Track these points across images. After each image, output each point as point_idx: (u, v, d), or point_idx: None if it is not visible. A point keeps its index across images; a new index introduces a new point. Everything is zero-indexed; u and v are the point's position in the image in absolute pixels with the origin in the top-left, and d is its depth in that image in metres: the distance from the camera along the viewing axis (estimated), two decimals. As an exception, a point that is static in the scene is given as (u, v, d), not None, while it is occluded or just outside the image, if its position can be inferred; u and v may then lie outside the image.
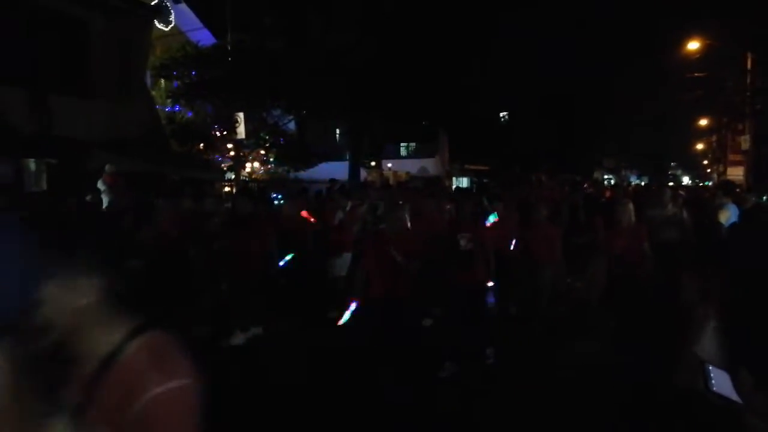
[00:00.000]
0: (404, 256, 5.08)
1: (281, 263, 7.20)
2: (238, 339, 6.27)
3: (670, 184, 39.33)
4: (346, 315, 5.79)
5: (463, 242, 5.61)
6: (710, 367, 2.82)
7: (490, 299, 5.85)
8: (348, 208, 8.03)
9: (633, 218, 6.37)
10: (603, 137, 40.35)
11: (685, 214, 7.37)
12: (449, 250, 5.72)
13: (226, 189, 16.63)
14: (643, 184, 34.40)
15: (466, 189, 13.20)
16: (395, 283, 5.09)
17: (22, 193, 10.11)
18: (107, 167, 8.87)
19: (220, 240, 6.75)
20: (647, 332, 5.65)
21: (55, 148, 11.42)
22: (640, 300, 5.99)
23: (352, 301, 5.65)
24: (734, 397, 2.76)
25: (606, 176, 46.21)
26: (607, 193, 13.02)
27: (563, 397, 4.86)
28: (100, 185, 8.69)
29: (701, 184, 38.90)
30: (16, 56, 11.63)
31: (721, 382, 2.78)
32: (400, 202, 7.16)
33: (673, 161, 62.36)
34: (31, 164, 11.85)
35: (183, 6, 20.01)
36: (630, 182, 40.68)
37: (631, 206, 6.50)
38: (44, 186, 11.58)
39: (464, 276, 5.65)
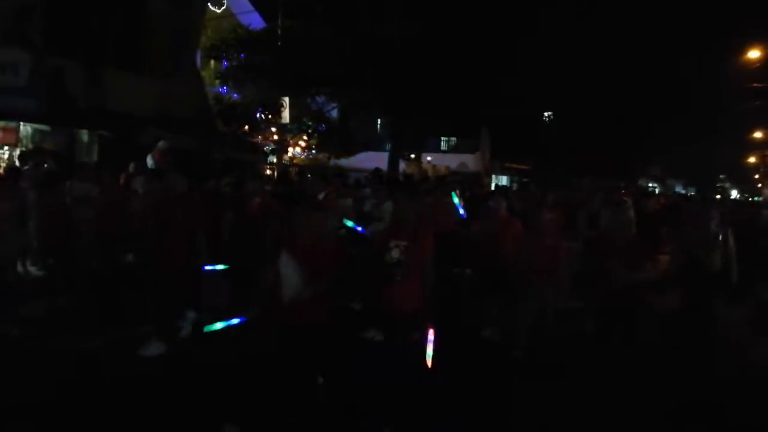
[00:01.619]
0: (312, 273, 3.94)
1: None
2: (153, 349, 5.19)
3: (718, 196, 38.03)
4: (217, 325, 4.48)
5: (395, 253, 4.21)
6: None
7: (427, 344, 4.13)
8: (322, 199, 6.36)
9: (633, 229, 5.16)
10: (650, 143, 39.21)
11: (730, 236, 6.32)
12: (374, 263, 4.37)
13: (268, 172, 16.87)
14: (689, 194, 33.32)
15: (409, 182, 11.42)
16: (303, 306, 3.93)
17: (73, 162, 10.44)
18: (160, 144, 9.05)
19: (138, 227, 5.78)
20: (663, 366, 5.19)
21: (108, 121, 11.79)
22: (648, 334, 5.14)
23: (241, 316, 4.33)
24: None
25: (651, 184, 45.02)
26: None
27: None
28: (149, 160, 8.92)
29: (750, 199, 37.49)
30: (77, 30, 12.02)
31: None
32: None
33: (722, 173, 60.29)
34: (84, 135, 12.24)
35: (235, -12, 20.30)
36: (675, 191, 39.56)
37: (630, 213, 5.42)
38: (95, 157, 11.96)
39: (388, 300, 4.25)
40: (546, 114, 36.82)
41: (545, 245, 5.55)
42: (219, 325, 4.54)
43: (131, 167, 9.11)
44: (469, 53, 18.92)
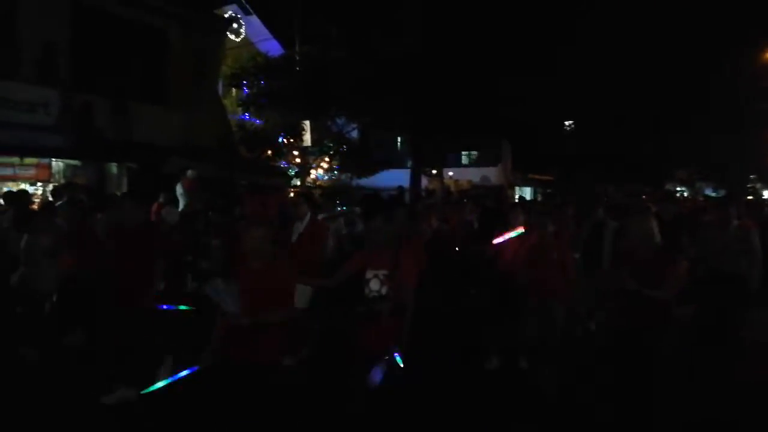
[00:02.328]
0: (254, 301, 3.37)
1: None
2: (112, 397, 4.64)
3: (749, 197, 37.01)
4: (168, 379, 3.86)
5: (374, 284, 3.68)
6: None
7: (376, 374, 3.54)
8: (308, 220, 5.81)
9: (656, 238, 4.29)
10: (676, 146, 38.57)
11: (754, 238, 5.60)
12: (347, 295, 3.88)
13: (291, 195, 17.02)
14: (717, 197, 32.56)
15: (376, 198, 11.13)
16: (257, 342, 3.36)
17: (103, 195, 10.71)
18: (189, 172, 9.23)
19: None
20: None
21: (135, 153, 12.09)
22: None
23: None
24: None
25: (678, 188, 44.18)
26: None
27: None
28: (178, 188, 9.10)
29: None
30: (102, 65, 12.43)
31: None
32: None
33: (752, 173, 58.83)
34: (113, 168, 12.57)
35: (254, 18, 20.74)
36: (704, 195, 38.72)
37: (650, 220, 4.50)
38: (124, 188, 12.26)
39: (365, 337, 3.70)
40: (567, 123, 36.53)
41: (551, 259, 5.11)
42: (162, 384, 3.95)
43: (161, 197, 9.32)
44: (488, 61, 18.95)
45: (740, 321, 5.37)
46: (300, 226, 5.78)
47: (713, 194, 44.38)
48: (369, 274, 3.72)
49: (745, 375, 5.24)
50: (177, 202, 9.09)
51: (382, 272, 3.69)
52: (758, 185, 59.74)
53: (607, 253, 6.60)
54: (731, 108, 34.41)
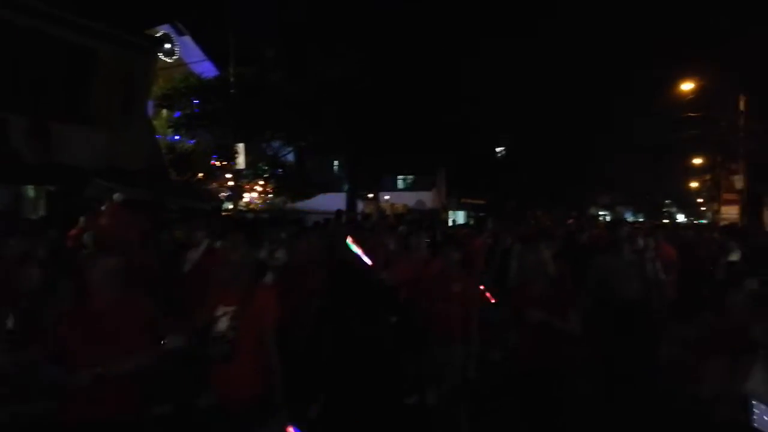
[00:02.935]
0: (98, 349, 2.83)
1: None
2: None
3: (665, 221, 39.51)
4: None
5: (222, 323, 3.13)
6: (754, 402, 2.86)
7: None
8: (204, 248, 5.10)
9: (548, 268, 4.18)
10: (598, 173, 40.78)
11: (653, 259, 5.53)
12: (197, 337, 3.33)
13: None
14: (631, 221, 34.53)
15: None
16: (103, 396, 2.84)
17: (19, 219, 10.07)
18: (116, 196, 8.81)
19: None
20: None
21: (54, 175, 11.47)
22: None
23: None
24: None
25: (601, 213, 46.50)
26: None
27: None
28: (100, 214, 8.67)
29: (695, 222, 39.09)
30: (21, 84, 11.79)
31: (762, 418, 2.82)
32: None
33: (668, 199, 62.86)
34: (30, 191, 11.87)
35: (187, 38, 20.38)
36: (625, 219, 40.93)
37: (545, 253, 4.29)
38: (41, 213, 11.57)
39: (216, 386, 3.23)
40: (498, 149, 37.80)
41: (452, 293, 4.56)
42: None
43: (81, 222, 8.84)
44: (419, 88, 19.43)
45: (647, 346, 5.00)
46: (195, 255, 5.02)
47: (633, 218, 47.00)
48: (219, 311, 3.15)
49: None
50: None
51: (231, 309, 3.13)
52: (673, 209, 63.84)
53: (512, 279, 6.55)
54: (647, 137, 36.75)
